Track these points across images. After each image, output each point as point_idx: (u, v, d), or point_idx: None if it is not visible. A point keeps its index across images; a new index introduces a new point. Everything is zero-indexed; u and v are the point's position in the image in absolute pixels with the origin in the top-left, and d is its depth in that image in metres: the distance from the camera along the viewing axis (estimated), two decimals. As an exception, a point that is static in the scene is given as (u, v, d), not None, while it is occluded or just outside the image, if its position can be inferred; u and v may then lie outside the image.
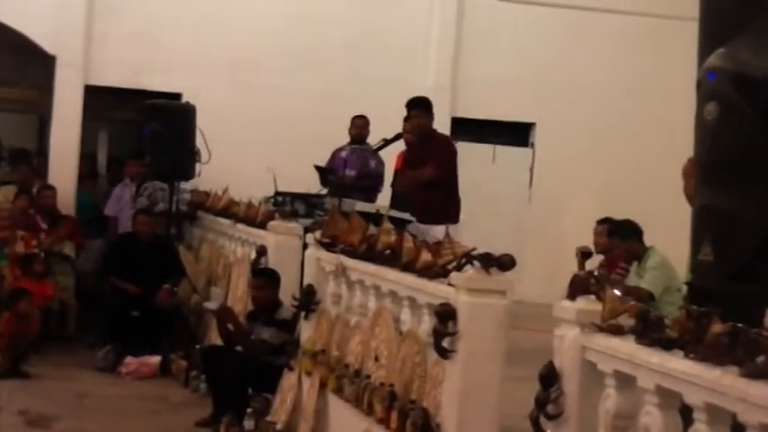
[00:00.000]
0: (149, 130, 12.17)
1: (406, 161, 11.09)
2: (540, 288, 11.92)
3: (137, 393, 10.27)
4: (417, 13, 14.89)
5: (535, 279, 12.91)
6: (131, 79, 13.96)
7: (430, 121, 10.85)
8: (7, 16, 13.39)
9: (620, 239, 9.62)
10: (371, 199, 11.43)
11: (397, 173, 11.40)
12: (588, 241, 10.84)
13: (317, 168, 11.86)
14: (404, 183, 10.85)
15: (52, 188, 13.15)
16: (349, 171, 11.88)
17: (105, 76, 13.97)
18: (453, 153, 10.85)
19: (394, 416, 6.77)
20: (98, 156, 15.82)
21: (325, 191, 11.32)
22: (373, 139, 11.89)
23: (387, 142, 11.33)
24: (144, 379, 10.84)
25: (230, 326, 9.21)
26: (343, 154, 12.23)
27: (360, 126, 12.39)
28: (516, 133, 15.54)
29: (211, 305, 9.60)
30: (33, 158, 14.99)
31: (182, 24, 14.16)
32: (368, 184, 11.94)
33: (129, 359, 11.02)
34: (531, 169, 15.48)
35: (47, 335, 11.58)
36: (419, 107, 10.85)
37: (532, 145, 15.58)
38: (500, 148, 15.25)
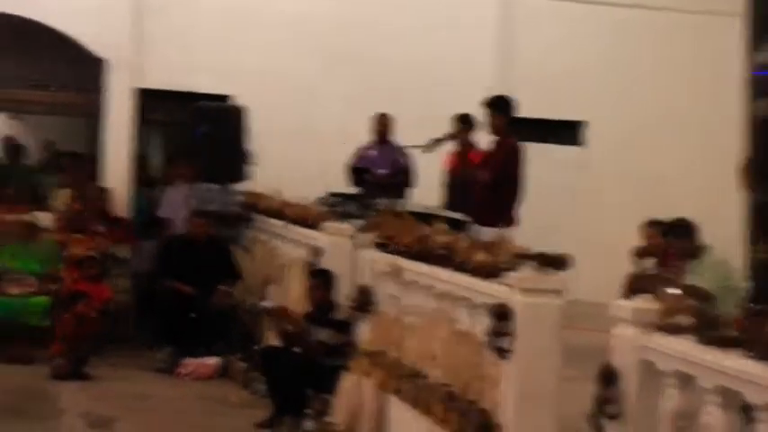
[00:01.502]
0: (201, 132, 12.25)
1: (480, 160, 11.09)
2: (596, 288, 11.90)
3: (196, 394, 10.38)
4: (468, 13, 14.85)
5: (591, 278, 12.87)
6: (181, 81, 14.01)
7: (501, 122, 10.86)
8: (59, 21, 13.50)
9: (675, 238, 9.53)
10: (401, 195, 11.48)
11: (449, 173, 11.44)
12: (638, 240, 10.84)
13: (353, 169, 11.94)
14: (463, 180, 10.90)
15: (106, 191, 13.29)
16: (381, 169, 11.95)
17: (155, 79, 14.02)
18: (515, 157, 10.80)
19: (453, 416, 6.82)
20: (151, 158, 15.94)
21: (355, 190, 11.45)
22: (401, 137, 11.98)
23: (437, 142, 11.37)
24: (203, 380, 10.96)
25: (288, 326, 9.29)
26: (372, 153, 12.31)
27: (384, 124, 12.44)
28: (566, 132, 15.50)
29: (267, 305, 9.66)
30: (87, 162, 15.15)
31: (230, 26, 14.20)
32: (399, 181, 12.01)
33: (187, 360, 11.14)
34: (581, 168, 15.43)
35: (105, 337, 11.72)
36: (491, 106, 10.91)
37: (583, 143, 15.53)
38: (550, 147, 15.19)
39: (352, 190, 11.70)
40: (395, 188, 11.59)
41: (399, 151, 12.17)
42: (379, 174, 11.87)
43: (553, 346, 6.43)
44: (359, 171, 11.94)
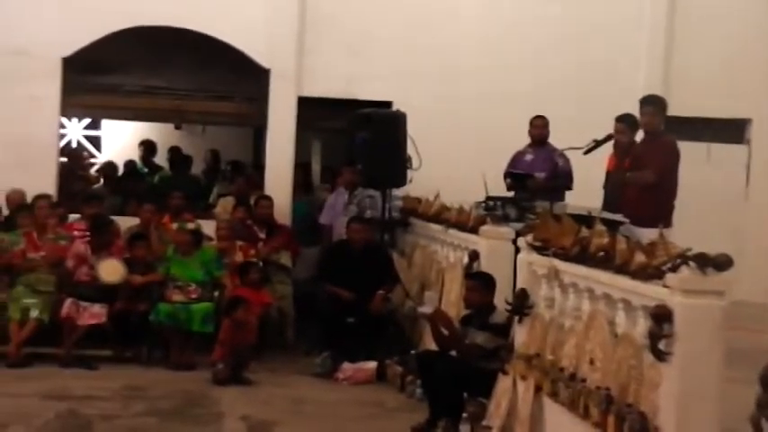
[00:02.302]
0: (361, 138, 12.28)
1: (631, 159, 10.93)
2: (759, 288, 11.56)
3: (353, 399, 10.39)
4: (628, 10, 14.64)
5: (754, 279, 12.53)
6: (342, 89, 14.13)
7: (658, 121, 10.71)
8: (223, 33, 13.74)
9: None
10: (560, 199, 11.33)
11: (608, 174, 11.26)
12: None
13: (513, 174, 11.83)
14: (625, 183, 10.74)
15: (269, 198, 13.45)
16: (539, 173, 11.82)
17: (317, 87, 14.17)
18: (675, 157, 10.67)
19: (611, 420, 6.71)
20: (312, 165, 16.10)
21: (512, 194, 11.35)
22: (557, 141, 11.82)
23: (597, 143, 11.20)
24: (360, 384, 10.98)
25: (444, 330, 9.25)
26: (529, 157, 12.19)
27: (540, 126, 12.33)
28: (730, 130, 15.13)
29: (425, 310, 9.62)
30: (249, 170, 15.38)
31: (390, 33, 14.25)
32: (558, 185, 11.86)
33: (345, 365, 11.17)
34: (748, 167, 15.06)
35: (266, 342, 11.84)
36: (648, 104, 10.76)
37: (749, 142, 15.15)
38: (714, 146, 14.86)
39: (510, 194, 11.61)
40: (553, 191, 11.47)
41: (557, 154, 12.03)
42: (537, 178, 11.76)
43: (715, 349, 6.26)
44: (515, 176, 11.84)
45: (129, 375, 10.96)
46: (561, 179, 11.93)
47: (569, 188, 11.89)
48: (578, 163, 11.79)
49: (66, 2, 13.56)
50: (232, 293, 11.68)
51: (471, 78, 14.16)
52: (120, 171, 16.43)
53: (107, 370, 11.25)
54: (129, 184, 15.45)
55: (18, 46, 13.35)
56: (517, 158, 12.26)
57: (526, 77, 14.20)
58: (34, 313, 11.51)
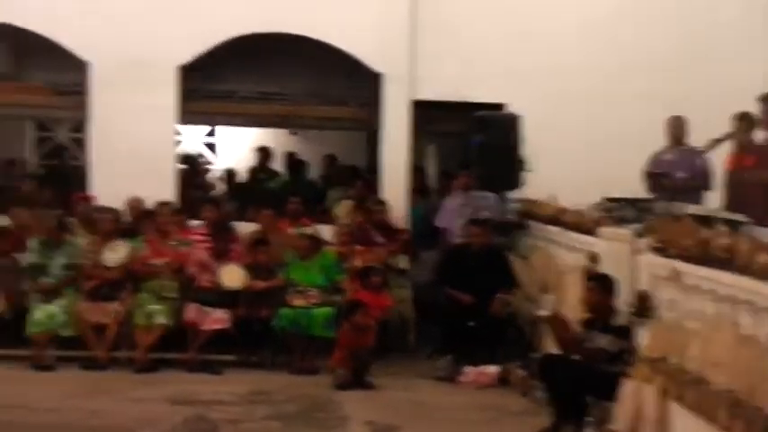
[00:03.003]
0: (476, 141, 12.29)
1: (756, 158, 10.80)
2: None
3: (476, 403, 10.43)
4: (748, 5, 14.42)
5: None
6: (456, 92, 14.13)
7: None
8: (336, 38, 13.84)
9: None
10: (699, 200, 11.22)
11: (729, 174, 11.14)
12: None
13: (649, 174, 11.73)
14: (744, 179, 10.62)
15: (382, 202, 13.53)
16: (679, 173, 11.70)
17: (431, 91, 14.19)
18: None
19: (738, 423, 6.63)
20: (427, 169, 16.14)
21: (652, 196, 11.20)
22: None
23: (717, 142, 11.09)
24: (483, 388, 11.01)
25: (565, 334, 9.22)
26: (668, 156, 12.07)
27: (677, 126, 12.19)
28: None
29: (542, 313, 9.62)
30: (366, 174, 15.47)
31: (503, 35, 14.20)
32: (697, 185, 11.74)
33: (467, 369, 11.21)
34: None
35: (387, 346, 11.92)
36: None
37: None
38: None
39: (648, 195, 11.52)
40: (693, 192, 11.37)
41: (697, 153, 11.92)
42: (677, 178, 11.67)
43: None
44: (656, 176, 11.75)
45: (254, 380, 11.14)
46: (700, 180, 11.82)
47: (708, 188, 11.78)
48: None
49: (182, 11, 13.77)
50: (352, 297, 11.77)
51: (586, 78, 14.05)
52: (240, 177, 16.66)
53: (232, 375, 11.46)
54: (249, 189, 15.66)
55: (135, 55, 13.60)
56: (657, 158, 12.16)
57: (639, 76, 14.04)
58: (159, 319, 11.76)
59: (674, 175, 11.66)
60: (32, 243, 12.23)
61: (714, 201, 11.40)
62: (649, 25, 14.24)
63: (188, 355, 11.65)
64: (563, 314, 9.78)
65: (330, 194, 15.31)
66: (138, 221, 12.90)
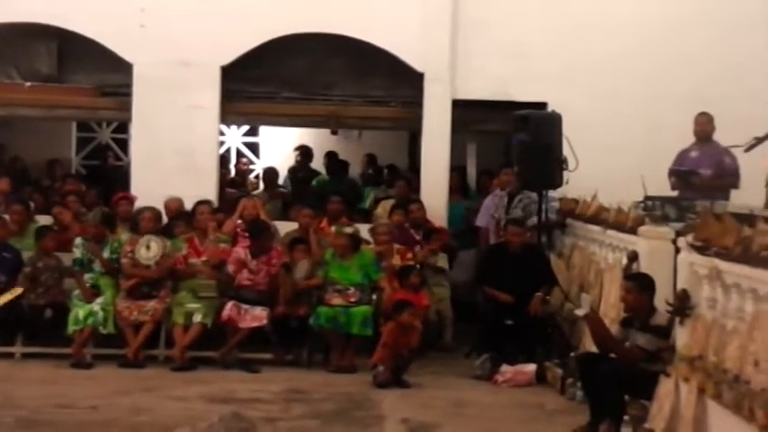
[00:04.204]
0: (517, 140, 12.22)
1: None
2: None
3: (513, 401, 10.39)
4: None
5: None
6: (497, 91, 14.08)
7: None
8: (378, 38, 13.85)
9: None
10: (725, 198, 11.11)
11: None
12: None
13: (675, 172, 11.65)
14: None
15: (419, 201, 13.53)
16: (704, 170, 11.62)
17: (472, 90, 14.16)
18: None
19: (777, 422, 6.56)
20: (467, 168, 16.10)
21: (675, 194, 11.15)
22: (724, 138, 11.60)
23: (758, 141, 10.96)
24: (520, 387, 10.96)
25: (602, 332, 9.15)
26: (694, 154, 11.99)
27: (704, 123, 12.10)
28: None
29: (580, 312, 9.56)
30: (406, 174, 15.46)
31: (545, 34, 14.14)
32: (724, 183, 11.64)
33: (505, 367, 11.16)
34: None
35: (425, 345, 11.89)
36: None
37: None
38: None
39: (673, 193, 11.45)
40: (719, 190, 11.27)
41: (724, 151, 11.81)
42: (703, 175, 11.58)
43: None
44: (681, 173, 11.66)
45: (291, 378, 11.16)
46: (727, 177, 11.72)
47: (736, 187, 11.68)
48: (739, 161, 11.56)
49: (224, 12, 13.83)
50: (393, 297, 11.75)
51: (627, 77, 13.98)
52: (282, 177, 16.71)
53: (269, 373, 11.47)
54: (290, 189, 15.69)
55: (178, 57, 13.69)
56: (683, 156, 12.08)
57: (681, 75, 13.94)
58: (197, 318, 11.79)
59: (699, 172, 11.57)
60: (77, 240, 12.34)
61: (735, 198, 11.31)
62: (690, 25, 14.11)
63: (224, 351, 11.67)
64: (597, 314, 9.72)
65: (370, 194, 15.30)
66: (174, 221, 12.92)
